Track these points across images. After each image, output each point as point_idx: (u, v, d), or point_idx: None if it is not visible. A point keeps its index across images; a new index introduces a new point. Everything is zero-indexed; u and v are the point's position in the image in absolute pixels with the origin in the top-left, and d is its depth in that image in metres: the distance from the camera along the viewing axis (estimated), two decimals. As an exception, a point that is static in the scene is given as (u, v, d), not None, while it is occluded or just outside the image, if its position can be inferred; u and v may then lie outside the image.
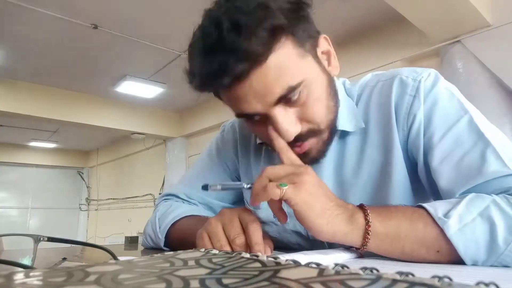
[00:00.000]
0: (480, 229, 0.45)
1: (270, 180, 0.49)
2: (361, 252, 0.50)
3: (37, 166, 8.62)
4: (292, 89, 0.53)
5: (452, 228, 0.45)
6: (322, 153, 0.63)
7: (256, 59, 0.50)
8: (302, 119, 0.57)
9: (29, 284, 0.20)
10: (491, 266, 0.45)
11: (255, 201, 0.50)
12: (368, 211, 0.48)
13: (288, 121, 0.56)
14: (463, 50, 2.55)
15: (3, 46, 3.63)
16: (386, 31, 3.16)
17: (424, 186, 0.62)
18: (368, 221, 0.47)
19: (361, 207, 0.50)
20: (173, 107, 5.64)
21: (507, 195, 0.48)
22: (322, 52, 0.62)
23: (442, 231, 0.45)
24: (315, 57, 0.59)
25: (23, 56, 3.86)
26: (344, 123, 0.65)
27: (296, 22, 0.53)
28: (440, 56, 2.75)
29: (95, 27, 3.24)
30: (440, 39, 2.65)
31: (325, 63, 0.62)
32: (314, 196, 0.48)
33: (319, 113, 0.58)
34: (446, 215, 0.46)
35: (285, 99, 0.54)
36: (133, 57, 3.91)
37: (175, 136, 5.85)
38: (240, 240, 0.49)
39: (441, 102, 0.59)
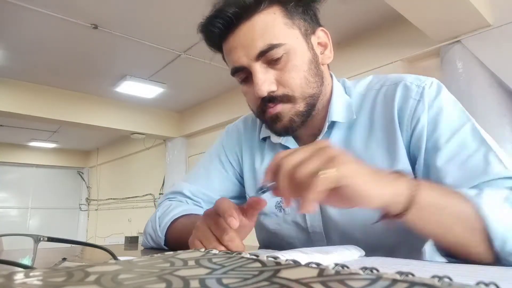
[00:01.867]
0: (508, 212, 0.47)
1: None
2: (396, 220, 0.47)
3: (37, 166, 8.62)
4: (272, 46, 0.62)
5: (486, 205, 0.47)
6: (294, 122, 0.67)
7: (245, 10, 0.62)
8: (279, 82, 0.65)
9: (29, 284, 0.20)
10: (491, 265, 0.45)
11: (289, 201, 0.44)
12: (411, 178, 0.47)
13: (265, 77, 0.64)
14: (463, 50, 2.55)
15: (3, 46, 3.63)
16: (386, 31, 3.16)
17: None
18: (417, 184, 0.46)
19: (400, 173, 0.47)
20: (173, 107, 5.64)
21: None
22: (319, 43, 0.70)
23: (477, 211, 0.47)
24: (304, 35, 0.67)
25: (23, 56, 3.86)
26: (337, 115, 0.70)
27: (289, 0, 0.65)
28: (440, 56, 2.75)
29: (95, 27, 3.24)
30: (440, 39, 2.65)
31: (318, 50, 0.70)
32: (358, 163, 0.44)
33: (295, 79, 0.65)
34: (477, 195, 0.48)
35: (266, 56, 0.63)
36: (133, 57, 3.91)
37: (175, 136, 5.85)
38: (227, 236, 0.49)
39: (446, 109, 0.63)
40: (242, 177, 0.85)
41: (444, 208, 0.47)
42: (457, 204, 0.48)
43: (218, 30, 0.65)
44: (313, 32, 0.69)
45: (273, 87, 0.64)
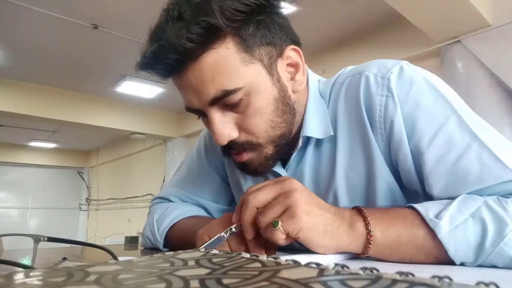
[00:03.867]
0: (472, 230, 0.44)
1: (258, 208, 0.47)
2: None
3: (37, 166, 8.62)
4: (228, 93, 0.52)
5: (443, 229, 0.44)
6: (264, 167, 0.59)
7: (186, 54, 0.50)
8: (240, 127, 0.56)
9: (29, 284, 0.20)
10: (491, 267, 0.45)
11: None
12: (368, 218, 0.46)
13: (223, 125, 0.54)
14: (463, 50, 2.56)
15: (3, 46, 3.63)
16: (386, 31, 3.16)
17: (417, 191, 0.57)
18: (370, 231, 0.46)
19: (360, 212, 0.48)
20: (173, 107, 5.64)
21: (500, 197, 0.47)
22: (289, 65, 0.59)
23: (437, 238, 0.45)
24: (268, 66, 0.55)
25: (23, 56, 3.86)
26: (312, 129, 0.60)
27: (245, 26, 0.51)
28: (440, 56, 2.75)
29: (95, 27, 3.24)
30: (440, 39, 2.66)
31: (287, 75, 0.58)
32: (312, 215, 0.45)
33: (258, 125, 0.55)
34: (438, 216, 0.45)
35: (222, 102, 0.53)
36: (133, 57, 3.86)
37: (175, 136, 5.85)
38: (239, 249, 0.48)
39: (424, 102, 0.53)
40: (227, 177, 0.80)
41: (405, 244, 0.46)
42: (419, 237, 0.46)
43: (161, 73, 0.55)
44: (280, 55, 0.57)
45: (234, 134, 0.55)
